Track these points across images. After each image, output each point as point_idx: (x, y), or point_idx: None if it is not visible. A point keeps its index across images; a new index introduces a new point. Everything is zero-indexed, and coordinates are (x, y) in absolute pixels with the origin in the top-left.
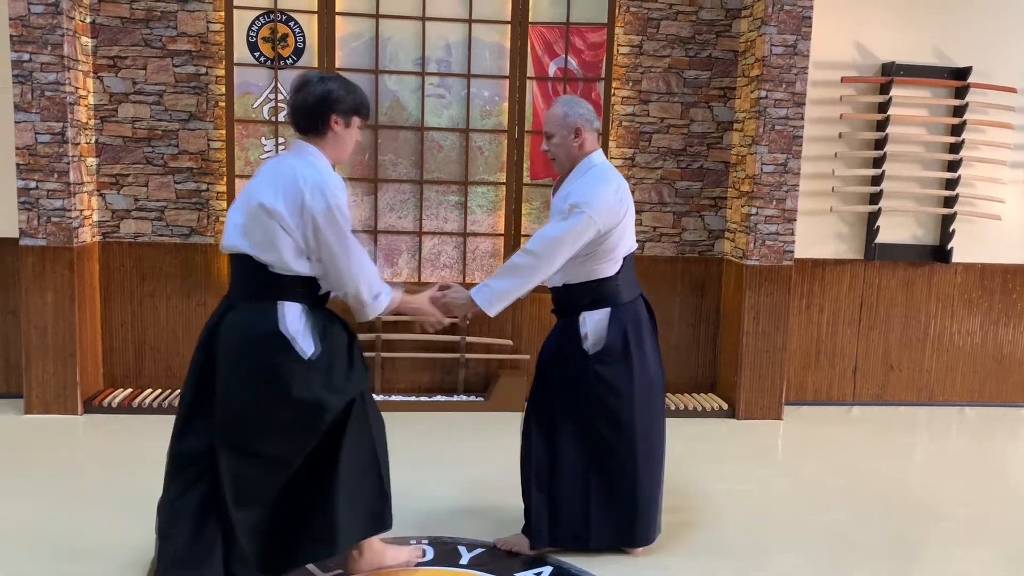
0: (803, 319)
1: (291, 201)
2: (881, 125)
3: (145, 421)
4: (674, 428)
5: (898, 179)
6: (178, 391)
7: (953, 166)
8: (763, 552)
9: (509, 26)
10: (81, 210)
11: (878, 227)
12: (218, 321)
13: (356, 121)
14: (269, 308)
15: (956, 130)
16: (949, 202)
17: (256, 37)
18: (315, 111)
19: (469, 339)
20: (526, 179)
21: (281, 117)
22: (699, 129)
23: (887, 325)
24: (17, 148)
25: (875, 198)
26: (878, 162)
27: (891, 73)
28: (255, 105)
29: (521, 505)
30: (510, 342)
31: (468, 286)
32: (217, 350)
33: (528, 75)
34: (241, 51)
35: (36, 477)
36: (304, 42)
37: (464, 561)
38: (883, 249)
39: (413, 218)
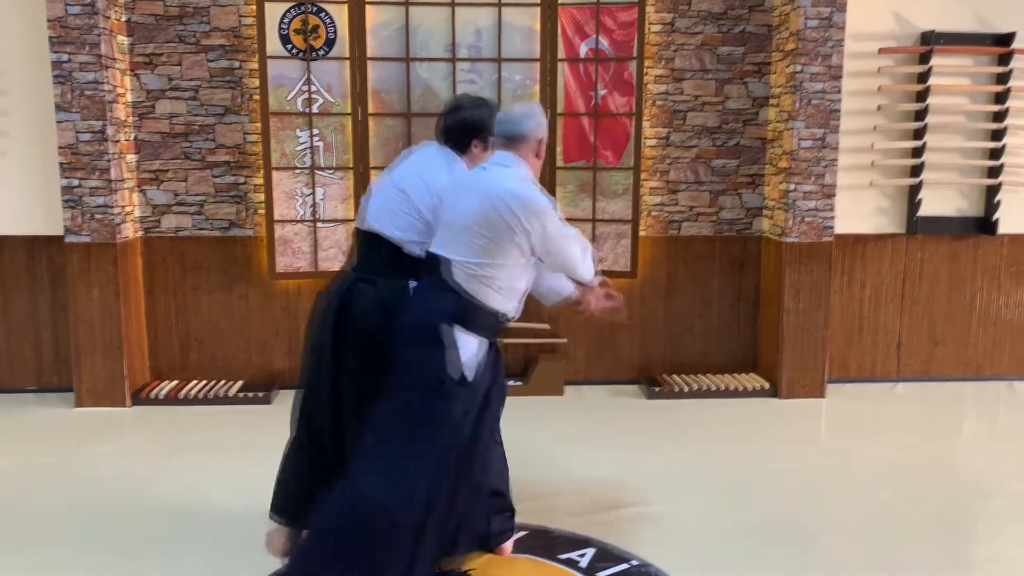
0: (844, 296)
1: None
2: (921, 96)
3: (192, 412)
4: (716, 408)
5: (940, 150)
6: (222, 382)
7: (997, 135)
8: (812, 532)
9: (539, 8)
10: (123, 206)
11: (920, 200)
12: None
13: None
14: None
15: (1000, 98)
16: (994, 172)
17: (288, 29)
18: (461, 134)
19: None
20: (559, 162)
21: (315, 108)
22: (734, 106)
23: (931, 299)
24: (59, 147)
25: (916, 170)
26: (919, 134)
27: (931, 42)
28: (289, 97)
29: (559, 487)
30: (548, 326)
31: None
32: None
33: (559, 57)
34: (274, 44)
35: (90, 468)
36: (335, 33)
37: None
38: (925, 222)
39: None
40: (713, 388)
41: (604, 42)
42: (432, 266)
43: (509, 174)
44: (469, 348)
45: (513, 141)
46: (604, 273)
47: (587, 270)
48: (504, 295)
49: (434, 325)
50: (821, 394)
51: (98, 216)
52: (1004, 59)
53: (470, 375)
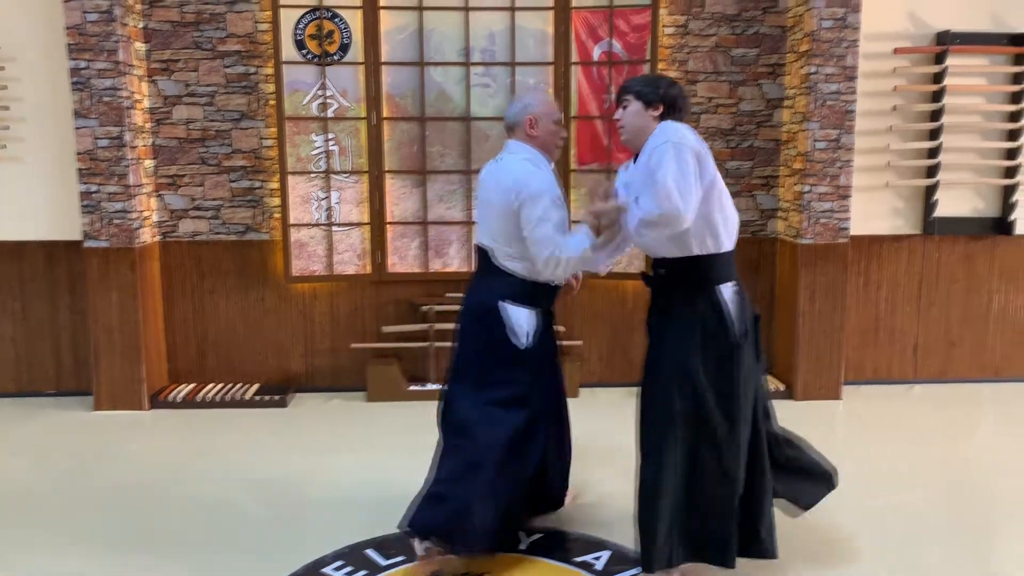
0: (860, 297)
1: None
2: (937, 96)
3: (208, 415)
4: None
5: (956, 151)
6: (239, 385)
7: (1014, 135)
8: (832, 535)
9: (552, 12)
10: (141, 211)
11: (936, 201)
12: None
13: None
14: None
15: (1016, 98)
16: (1011, 172)
17: (303, 35)
18: None
19: None
20: (573, 165)
21: (330, 113)
22: (748, 107)
23: (948, 301)
24: (78, 153)
25: (932, 171)
26: (934, 134)
27: (946, 42)
28: (304, 102)
29: (585, 493)
30: (562, 328)
31: None
32: None
33: (573, 60)
34: (289, 49)
35: (110, 470)
36: (350, 37)
37: (523, 546)
38: (942, 223)
39: (462, 208)
40: None
41: (617, 45)
42: (482, 255)
43: (513, 161)
44: (523, 319)
45: (510, 129)
46: (617, 276)
47: (545, 271)
48: (543, 266)
49: (492, 304)
50: (837, 396)
51: (116, 221)
52: (1020, 59)
53: (528, 342)
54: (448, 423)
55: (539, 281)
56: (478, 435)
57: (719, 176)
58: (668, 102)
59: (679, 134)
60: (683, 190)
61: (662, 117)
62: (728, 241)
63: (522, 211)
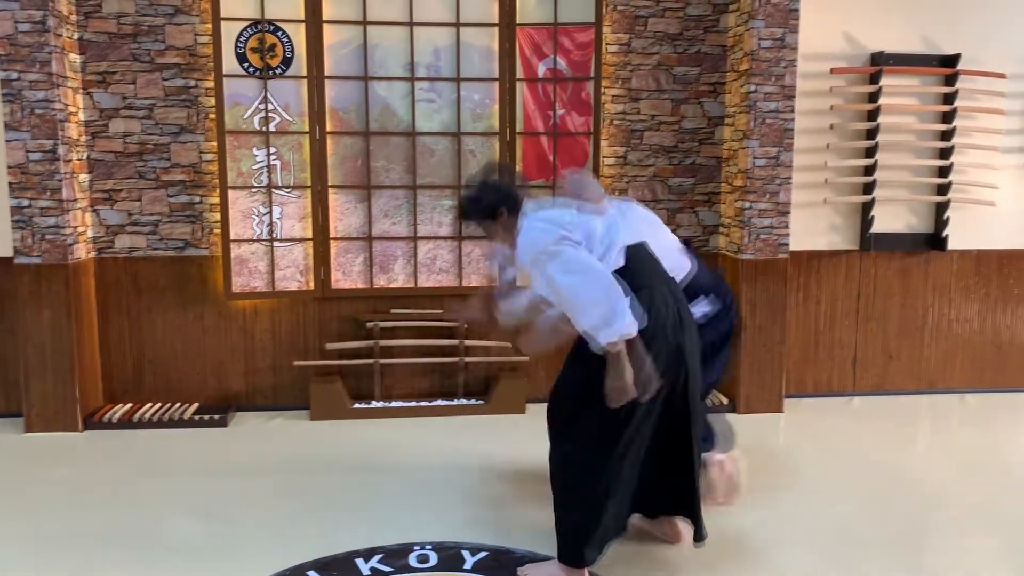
0: (800, 312)
1: None
2: (872, 115)
3: (146, 435)
4: None
5: (891, 168)
6: (178, 404)
7: (945, 153)
8: (770, 546)
9: (497, 28)
10: (75, 227)
11: (872, 217)
12: None
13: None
14: None
15: (947, 117)
16: (943, 190)
17: (244, 48)
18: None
19: (468, 343)
20: (518, 181)
21: (272, 127)
22: (690, 125)
23: (885, 315)
24: (9, 167)
25: (868, 188)
26: (870, 152)
27: (880, 63)
28: (246, 116)
29: (520, 506)
30: (510, 344)
31: (464, 290)
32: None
33: (518, 77)
34: (230, 62)
35: (40, 495)
36: (293, 51)
37: (468, 566)
38: (878, 239)
39: (407, 223)
40: None
41: (562, 62)
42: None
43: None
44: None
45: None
46: None
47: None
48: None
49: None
50: (779, 409)
51: (49, 237)
52: (950, 80)
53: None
54: None
55: None
56: None
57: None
58: (501, 203)
59: (538, 239)
60: (593, 284)
61: (511, 214)
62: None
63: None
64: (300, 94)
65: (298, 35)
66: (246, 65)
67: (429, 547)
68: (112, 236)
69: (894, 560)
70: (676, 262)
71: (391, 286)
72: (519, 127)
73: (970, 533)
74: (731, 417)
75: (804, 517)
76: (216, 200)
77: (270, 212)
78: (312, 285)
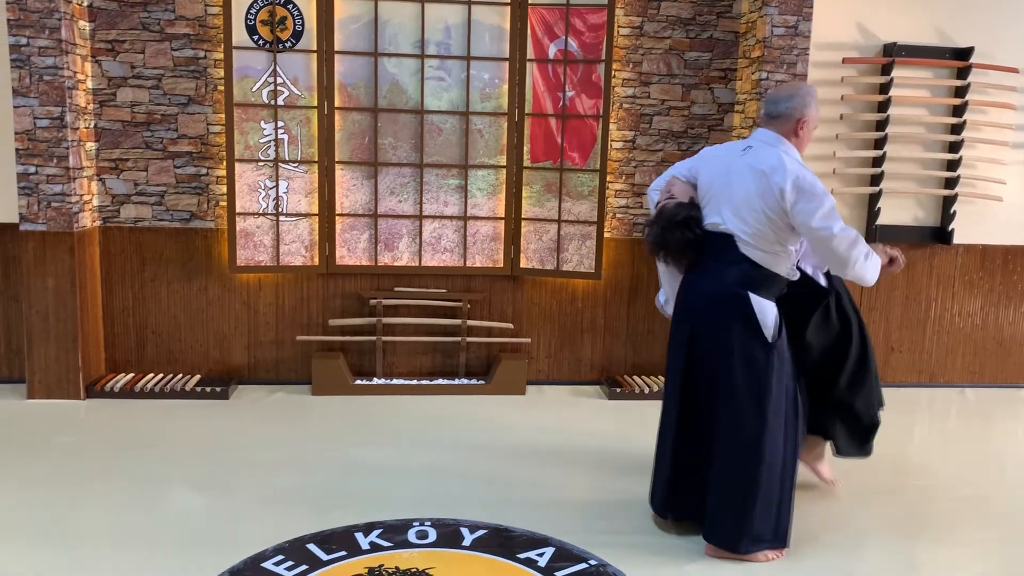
0: None
1: None
2: (882, 106)
3: (147, 405)
4: None
5: (899, 160)
6: (180, 375)
7: (954, 147)
8: None
9: (509, 7)
10: (81, 195)
11: (879, 208)
12: None
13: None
14: None
15: (958, 111)
16: (950, 183)
17: (255, 20)
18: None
19: (470, 323)
20: (526, 162)
21: (280, 101)
22: (700, 111)
23: (888, 306)
24: (16, 133)
25: (876, 179)
26: (879, 143)
27: (893, 54)
28: (254, 88)
29: (518, 486)
30: (511, 325)
31: (468, 269)
32: None
33: (528, 57)
34: (240, 34)
35: (40, 462)
36: (303, 25)
37: (467, 543)
38: (884, 231)
39: (413, 202)
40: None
41: (573, 44)
42: (719, 241)
43: (775, 153)
44: (769, 311)
45: (773, 119)
46: (567, 275)
47: (859, 272)
48: (782, 258)
49: (738, 294)
50: None
51: (55, 204)
52: (962, 73)
53: (773, 334)
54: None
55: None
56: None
57: None
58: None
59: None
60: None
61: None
62: None
63: (803, 207)
64: (309, 68)
65: (309, 8)
66: (256, 37)
67: (428, 523)
68: (118, 206)
69: (887, 551)
70: None
71: (395, 264)
72: (528, 108)
73: (965, 525)
74: None
75: (800, 508)
76: (223, 173)
77: (276, 186)
78: (316, 261)
